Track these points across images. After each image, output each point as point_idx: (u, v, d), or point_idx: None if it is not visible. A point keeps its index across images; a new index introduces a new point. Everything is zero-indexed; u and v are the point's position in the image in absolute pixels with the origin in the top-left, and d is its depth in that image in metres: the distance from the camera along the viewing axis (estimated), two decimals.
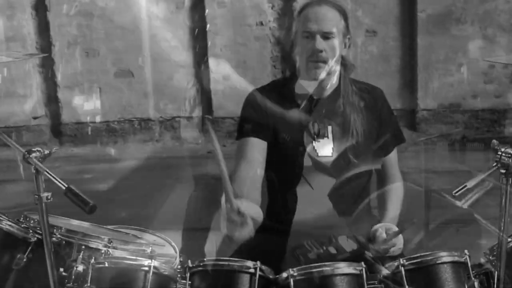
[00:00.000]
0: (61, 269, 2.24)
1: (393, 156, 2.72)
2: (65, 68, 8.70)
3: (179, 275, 2.07)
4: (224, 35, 8.65)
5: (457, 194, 2.08)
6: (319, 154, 2.58)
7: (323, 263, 1.94)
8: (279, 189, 2.65)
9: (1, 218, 2.39)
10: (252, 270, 1.95)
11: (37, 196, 2.09)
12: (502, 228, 2.02)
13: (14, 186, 6.09)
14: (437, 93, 8.53)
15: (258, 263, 1.96)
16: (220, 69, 8.58)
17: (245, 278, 1.95)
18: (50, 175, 2.05)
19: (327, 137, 2.58)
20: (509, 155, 1.98)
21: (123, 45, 8.69)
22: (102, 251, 2.28)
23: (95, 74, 8.70)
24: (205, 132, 8.72)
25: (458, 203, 2.13)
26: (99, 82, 8.71)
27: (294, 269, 1.93)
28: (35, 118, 8.91)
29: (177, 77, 8.87)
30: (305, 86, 2.57)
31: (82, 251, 2.28)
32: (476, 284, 2.00)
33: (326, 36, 2.47)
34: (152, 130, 8.87)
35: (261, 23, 8.67)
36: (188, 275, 1.98)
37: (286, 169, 2.59)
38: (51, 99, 8.94)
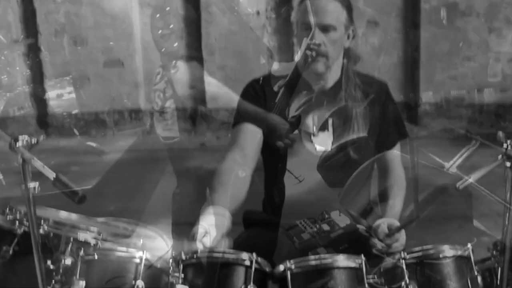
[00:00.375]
0: (49, 262, 2.23)
1: (395, 151, 2.74)
2: (52, 57, 8.68)
3: (171, 268, 2.08)
4: (218, 24, 8.65)
5: (460, 187, 2.09)
6: (317, 148, 2.59)
7: (322, 256, 1.95)
8: (272, 181, 2.68)
9: None
10: (247, 263, 1.96)
11: (23, 186, 2.09)
12: (507, 223, 2.03)
13: None
14: (440, 86, 8.56)
15: (254, 255, 1.96)
16: (214, 59, 8.59)
17: (241, 271, 1.95)
18: (38, 164, 2.05)
19: (327, 129, 2.59)
20: None
21: (113, 33, 8.69)
22: (92, 244, 2.28)
23: (83, 64, 8.69)
24: (198, 123, 8.73)
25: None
26: (87, 71, 8.71)
27: (291, 261, 1.93)
28: (20, 108, 8.90)
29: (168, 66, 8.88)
30: (305, 77, 2.58)
31: (71, 244, 2.27)
32: (479, 279, 2.00)
33: (326, 28, 2.48)
34: (143, 122, 8.88)
35: (258, 12, 8.67)
36: (181, 267, 1.98)
37: (277, 162, 2.61)
38: (38, 89, 8.93)
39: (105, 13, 8.65)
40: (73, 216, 2.62)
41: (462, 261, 2.01)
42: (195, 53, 8.76)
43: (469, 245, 2.04)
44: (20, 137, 2.12)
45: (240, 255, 1.97)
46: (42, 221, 2.29)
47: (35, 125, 8.94)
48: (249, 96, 2.65)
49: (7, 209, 2.46)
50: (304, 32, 2.50)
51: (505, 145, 2.03)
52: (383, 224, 2.43)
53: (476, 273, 2.01)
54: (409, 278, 1.92)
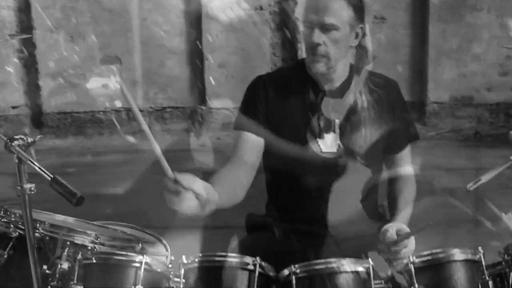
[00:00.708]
0: (45, 267, 2.23)
1: (405, 153, 2.73)
2: (48, 54, 8.69)
3: (172, 273, 2.08)
4: (220, 19, 8.66)
5: (471, 188, 2.10)
6: (323, 150, 2.59)
7: (328, 260, 1.95)
8: (279, 185, 2.68)
9: None
10: (251, 267, 1.96)
11: (19, 188, 2.09)
12: None
13: None
14: (449, 85, 8.56)
15: (258, 259, 1.97)
16: (215, 56, 8.59)
17: (244, 275, 1.96)
18: (34, 164, 2.05)
19: (334, 131, 2.59)
20: None
21: (111, 29, 8.70)
22: (89, 248, 2.28)
23: (79, 61, 8.70)
24: (198, 124, 8.74)
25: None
26: (84, 69, 8.71)
27: (296, 265, 1.94)
28: (14, 107, 8.91)
29: (168, 64, 8.89)
30: (313, 76, 2.58)
31: (67, 248, 2.27)
32: (490, 284, 2.01)
33: (326, 28, 2.47)
34: None
35: (261, 7, 8.67)
36: (182, 272, 1.98)
37: (285, 165, 2.61)
38: (32, 87, 8.94)
39: (103, 8, 8.66)
40: (70, 220, 2.62)
41: (472, 265, 2.01)
42: (196, 50, 8.77)
43: (480, 249, 2.04)
44: (16, 137, 2.12)
45: (243, 259, 1.98)
46: (37, 224, 2.29)
47: (30, 125, 8.95)
48: (255, 94, 2.64)
49: (2, 211, 2.46)
50: (306, 29, 2.50)
51: None
52: (391, 229, 2.42)
53: (487, 278, 2.00)
54: (417, 282, 1.92)
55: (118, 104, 8.57)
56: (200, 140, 8.29)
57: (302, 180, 2.60)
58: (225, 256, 1.99)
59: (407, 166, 2.75)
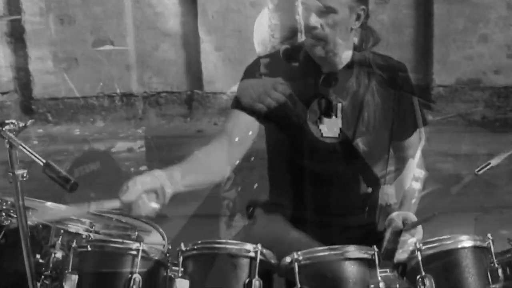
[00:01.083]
0: (38, 256, 2.25)
1: (414, 140, 2.74)
2: (37, 37, 8.67)
3: (169, 262, 2.09)
4: (216, 0, 8.64)
5: (479, 172, 2.10)
6: (324, 134, 2.59)
7: (332, 247, 1.96)
8: (280, 171, 2.68)
9: None
10: (252, 254, 1.97)
11: (11, 174, 2.10)
12: None
13: None
14: (455, 67, 8.56)
15: (259, 245, 1.97)
16: (212, 38, 8.58)
17: (245, 263, 1.96)
18: (26, 149, 2.06)
19: (336, 115, 2.59)
20: None
21: (103, 11, 8.67)
22: (83, 236, 2.29)
23: (70, 44, 8.68)
24: (194, 108, 8.73)
25: None
26: (75, 52, 8.70)
27: (299, 252, 1.94)
28: (3, 93, 8.90)
29: (163, 47, 8.87)
30: (314, 58, 2.58)
31: (61, 236, 2.29)
32: (499, 272, 2.01)
33: (324, 11, 2.46)
34: (135, 107, 8.88)
35: None
36: (180, 260, 1.99)
37: (286, 149, 2.62)
38: (21, 72, 8.93)
39: None
40: (63, 208, 2.63)
41: (481, 252, 2.02)
42: (191, 33, 8.75)
43: (489, 236, 2.04)
44: (7, 122, 2.12)
45: (244, 246, 1.98)
46: (30, 212, 2.29)
47: (19, 111, 8.94)
48: (254, 75, 2.64)
49: None
50: (303, 12, 2.49)
51: None
52: (397, 218, 2.43)
53: (496, 265, 2.01)
54: (424, 270, 1.93)
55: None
56: (196, 126, 8.28)
57: (303, 165, 2.60)
58: (225, 243, 2.00)
59: (415, 152, 2.76)
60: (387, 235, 2.42)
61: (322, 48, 2.49)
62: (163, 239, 2.63)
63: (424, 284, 1.91)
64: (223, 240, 2.01)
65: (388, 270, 2.03)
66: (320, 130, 2.58)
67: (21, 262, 2.14)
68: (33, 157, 2.04)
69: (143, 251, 2.01)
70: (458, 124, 8.34)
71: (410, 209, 2.58)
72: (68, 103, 8.81)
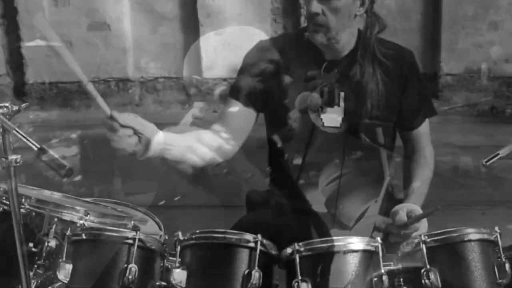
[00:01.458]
0: (31, 244, 2.26)
1: (422, 129, 2.74)
2: (30, 20, 8.64)
3: (167, 252, 2.10)
4: None
5: (487, 163, 2.11)
6: (325, 124, 2.59)
7: (334, 238, 1.96)
8: (281, 160, 2.69)
9: None
10: (252, 244, 1.98)
11: (4, 159, 2.10)
12: None
13: None
14: (464, 55, 8.54)
15: (259, 236, 1.98)
16: (211, 22, 8.56)
17: (244, 253, 1.97)
18: (20, 134, 2.06)
19: (338, 105, 2.59)
20: None
21: None
22: (78, 224, 2.29)
23: (65, 27, 8.65)
24: (193, 95, 8.72)
25: None
26: (70, 35, 8.68)
27: (300, 244, 1.95)
28: None
29: (161, 31, 8.85)
30: (317, 45, 2.58)
31: (55, 224, 2.30)
32: (507, 266, 2.02)
33: None
34: (132, 92, 8.87)
35: None
36: (178, 250, 2.00)
37: (287, 139, 2.63)
38: (14, 56, 8.91)
39: None
40: (57, 195, 2.64)
41: (488, 246, 2.02)
42: (190, 16, 8.73)
43: (496, 229, 2.05)
44: (0, 105, 2.13)
45: (244, 235, 2.00)
46: (23, 199, 2.30)
47: (12, 95, 8.93)
48: (255, 60, 2.64)
49: None
50: None
51: None
52: (401, 211, 2.43)
53: (503, 259, 2.01)
54: (429, 263, 1.94)
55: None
56: (195, 113, 8.27)
57: (303, 155, 2.61)
58: (224, 233, 2.00)
59: (425, 143, 2.76)
60: (391, 228, 2.44)
61: (324, 35, 2.49)
62: (160, 228, 2.64)
63: (429, 278, 1.92)
64: (222, 230, 2.02)
65: (392, 263, 2.04)
66: (321, 119, 2.58)
67: (13, 250, 2.15)
68: (27, 142, 2.04)
69: (140, 240, 2.02)
70: (466, 115, 8.33)
71: (417, 201, 2.58)
72: (62, 87, 8.81)
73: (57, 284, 2.23)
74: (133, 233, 2.04)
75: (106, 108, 2.16)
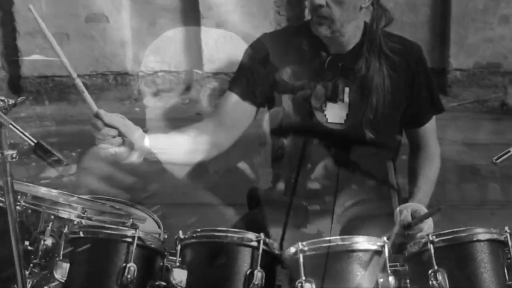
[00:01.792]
0: (27, 243, 2.26)
1: (429, 126, 2.74)
2: (26, 11, 8.65)
3: (166, 251, 2.11)
4: None
5: (498, 161, 2.11)
6: (329, 120, 2.59)
7: (339, 237, 1.97)
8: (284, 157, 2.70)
9: None
10: (254, 243, 1.98)
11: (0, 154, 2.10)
12: None
13: None
14: (473, 50, 8.53)
15: (262, 235, 1.99)
16: (213, 14, 8.56)
17: (246, 253, 1.98)
18: (17, 128, 2.06)
19: (342, 100, 2.59)
20: None
21: None
22: (75, 222, 2.30)
23: (62, 18, 8.66)
24: (193, 89, 8.72)
25: None
26: (67, 28, 8.68)
27: (304, 243, 1.95)
28: None
29: (160, 23, 8.85)
30: (321, 38, 2.58)
31: (51, 222, 2.30)
32: None
33: None
34: (130, 87, 8.88)
35: None
36: (178, 248, 2.00)
37: (289, 135, 2.63)
38: (9, 48, 8.92)
39: None
40: (54, 192, 2.64)
41: (498, 246, 2.02)
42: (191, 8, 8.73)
43: (506, 229, 2.05)
44: None
45: (246, 234, 2.00)
46: (18, 196, 2.30)
47: (7, 89, 8.94)
48: (255, 54, 2.65)
49: None
50: None
51: None
52: (406, 210, 2.43)
53: None
54: (437, 264, 1.94)
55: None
56: (196, 108, 8.27)
57: (306, 152, 2.61)
58: (225, 231, 2.01)
59: (431, 141, 2.77)
60: (395, 228, 2.44)
61: (328, 28, 2.49)
62: (159, 227, 2.65)
63: (436, 279, 1.92)
64: (224, 228, 2.02)
65: (398, 264, 2.04)
66: (325, 115, 2.59)
67: (9, 249, 2.15)
68: (23, 136, 2.05)
69: (139, 238, 2.02)
70: (475, 111, 8.32)
71: (422, 200, 2.58)
72: (58, 81, 8.81)
73: (53, 284, 2.23)
74: (132, 231, 2.04)
75: (92, 105, 2.21)
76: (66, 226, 2.14)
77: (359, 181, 2.65)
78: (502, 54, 8.54)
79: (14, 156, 2.10)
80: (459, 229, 2.01)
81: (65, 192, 2.66)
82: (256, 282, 1.94)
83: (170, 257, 2.09)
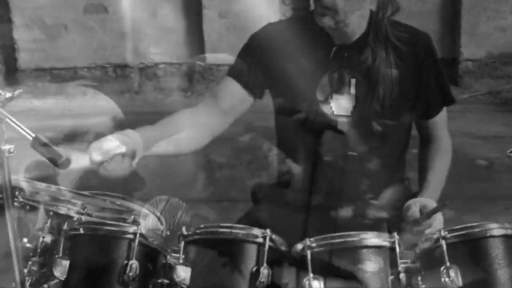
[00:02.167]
0: (25, 240, 2.26)
1: (439, 118, 2.74)
2: (23, 2, 8.66)
3: (169, 248, 2.11)
4: None
5: None
6: (335, 112, 2.59)
7: (348, 233, 1.96)
8: (289, 151, 2.70)
9: None
10: (260, 240, 1.98)
11: None
12: None
13: None
14: (485, 39, 8.53)
15: (268, 231, 1.98)
16: (215, 3, 8.56)
17: (252, 249, 1.97)
18: (14, 122, 2.06)
19: (348, 92, 2.59)
20: None
21: None
22: (75, 219, 2.30)
23: (60, 9, 8.67)
24: (196, 82, 8.73)
25: None
26: (65, 19, 8.69)
27: (312, 239, 1.95)
28: None
29: (161, 13, 8.86)
30: (326, 29, 2.58)
31: (50, 219, 2.30)
32: None
33: None
34: (130, 79, 8.88)
35: None
36: (182, 245, 2.00)
37: (294, 128, 2.63)
38: (5, 40, 8.93)
39: None
40: (53, 188, 2.64)
41: None
42: None
43: None
44: None
45: (252, 230, 1.99)
46: (16, 192, 2.31)
47: (3, 82, 8.96)
48: (258, 44, 2.65)
49: None
50: None
51: None
52: (414, 206, 2.43)
53: None
54: (449, 261, 1.93)
55: None
56: (198, 101, 8.28)
57: (312, 146, 2.61)
58: (230, 228, 2.01)
59: (442, 133, 2.76)
60: (403, 224, 2.43)
61: (331, 18, 2.48)
62: (161, 224, 2.65)
63: (448, 276, 1.91)
64: (228, 224, 2.02)
65: (409, 261, 2.04)
66: (331, 107, 2.59)
67: (6, 246, 2.15)
68: (21, 130, 2.04)
69: (141, 235, 2.03)
70: (487, 103, 8.32)
71: (432, 195, 2.58)
72: (56, 74, 8.82)
73: (53, 282, 2.23)
74: (134, 227, 2.04)
75: (80, 162, 2.22)
76: (66, 223, 2.14)
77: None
78: None
79: (11, 150, 2.10)
80: (472, 224, 2.00)
81: (64, 188, 2.66)
82: (262, 280, 1.93)
83: (173, 254, 2.09)
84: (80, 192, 2.70)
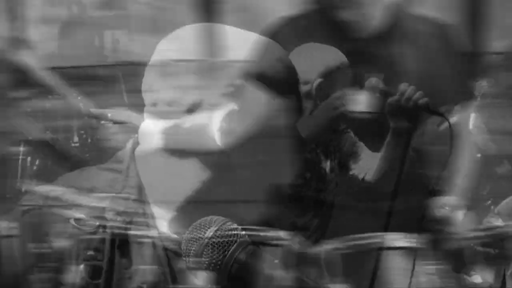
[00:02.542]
0: (39, 245, 2.30)
1: (462, 114, 2.74)
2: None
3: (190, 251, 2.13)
4: None
5: None
6: (353, 109, 2.61)
7: (369, 235, 1.98)
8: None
9: None
10: (282, 242, 2.00)
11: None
12: None
13: None
14: None
15: (289, 232, 2.01)
16: None
17: (271, 251, 2.00)
18: (26, 123, 2.09)
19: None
20: None
21: None
22: (86, 222, 2.32)
23: (65, 5, 8.70)
24: (206, 78, 8.74)
25: None
26: (71, 15, 8.72)
27: (332, 241, 1.97)
28: None
29: (172, 8, 8.87)
30: (344, 22, 2.59)
31: (64, 223, 2.33)
32: None
33: None
34: (140, 78, 8.90)
35: None
36: (201, 248, 2.02)
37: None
38: (17, 36, 8.97)
39: None
40: (68, 192, 2.67)
41: None
42: None
43: None
44: None
45: (274, 232, 2.02)
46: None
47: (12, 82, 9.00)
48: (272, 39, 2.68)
49: None
50: None
51: None
52: (437, 205, 2.44)
53: None
54: (477, 260, 1.95)
55: None
56: (212, 99, 8.32)
57: (330, 143, 2.64)
58: (251, 230, 2.04)
59: (464, 129, 2.76)
60: (425, 224, 2.45)
61: (351, 11, 2.50)
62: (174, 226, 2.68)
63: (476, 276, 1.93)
64: (249, 227, 2.04)
65: (434, 261, 2.05)
66: (348, 104, 2.60)
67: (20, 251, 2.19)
68: (33, 131, 2.07)
69: (160, 239, 2.06)
70: None
71: (454, 193, 2.59)
72: (64, 73, 8.86)
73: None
74: (152, 231, 2.07)
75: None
76: (81, 228, 2.17)
77: None
78: None
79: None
80: (498, 224, 2.01)
81: (79, 192, 2.69)
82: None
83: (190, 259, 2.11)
84: (95, 195, 2.74)
